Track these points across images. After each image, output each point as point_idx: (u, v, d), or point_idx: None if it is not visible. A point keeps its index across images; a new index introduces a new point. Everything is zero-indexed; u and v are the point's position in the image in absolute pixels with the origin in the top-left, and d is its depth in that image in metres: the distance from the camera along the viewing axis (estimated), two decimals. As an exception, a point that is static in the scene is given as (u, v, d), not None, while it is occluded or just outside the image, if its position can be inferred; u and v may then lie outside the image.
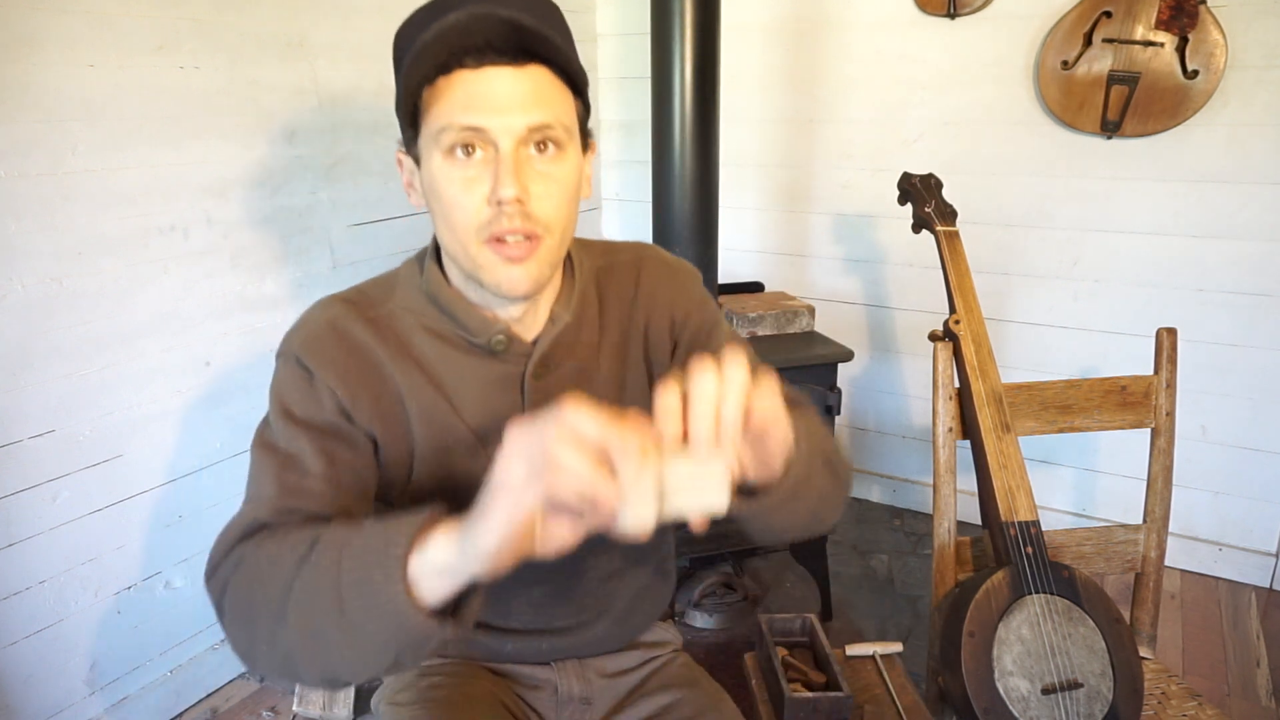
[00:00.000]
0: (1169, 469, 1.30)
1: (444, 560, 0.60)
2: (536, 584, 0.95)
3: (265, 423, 0.83)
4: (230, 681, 1.87)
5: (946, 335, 1.34)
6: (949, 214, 1.51)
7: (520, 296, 0.80)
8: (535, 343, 0.87)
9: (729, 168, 2.48)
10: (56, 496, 1.51)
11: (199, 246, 1.65)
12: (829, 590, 2.04)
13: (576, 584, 0.96)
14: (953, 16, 2.17)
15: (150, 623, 1.70)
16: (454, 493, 0.87)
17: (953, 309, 1.38)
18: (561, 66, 0.77)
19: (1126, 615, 1.25)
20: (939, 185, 1.58)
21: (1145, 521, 1.31)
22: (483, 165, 0.75)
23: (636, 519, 0.55)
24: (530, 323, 0.88)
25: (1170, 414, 1.30)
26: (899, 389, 2.53)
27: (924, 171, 1.61)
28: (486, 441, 0.87)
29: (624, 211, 2.85)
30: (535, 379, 0.87)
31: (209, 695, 1.83)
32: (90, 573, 1.58)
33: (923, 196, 1.54)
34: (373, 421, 0.83)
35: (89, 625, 1.59)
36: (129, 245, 1.53)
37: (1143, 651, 1.28)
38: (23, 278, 1.40)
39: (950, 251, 1.43)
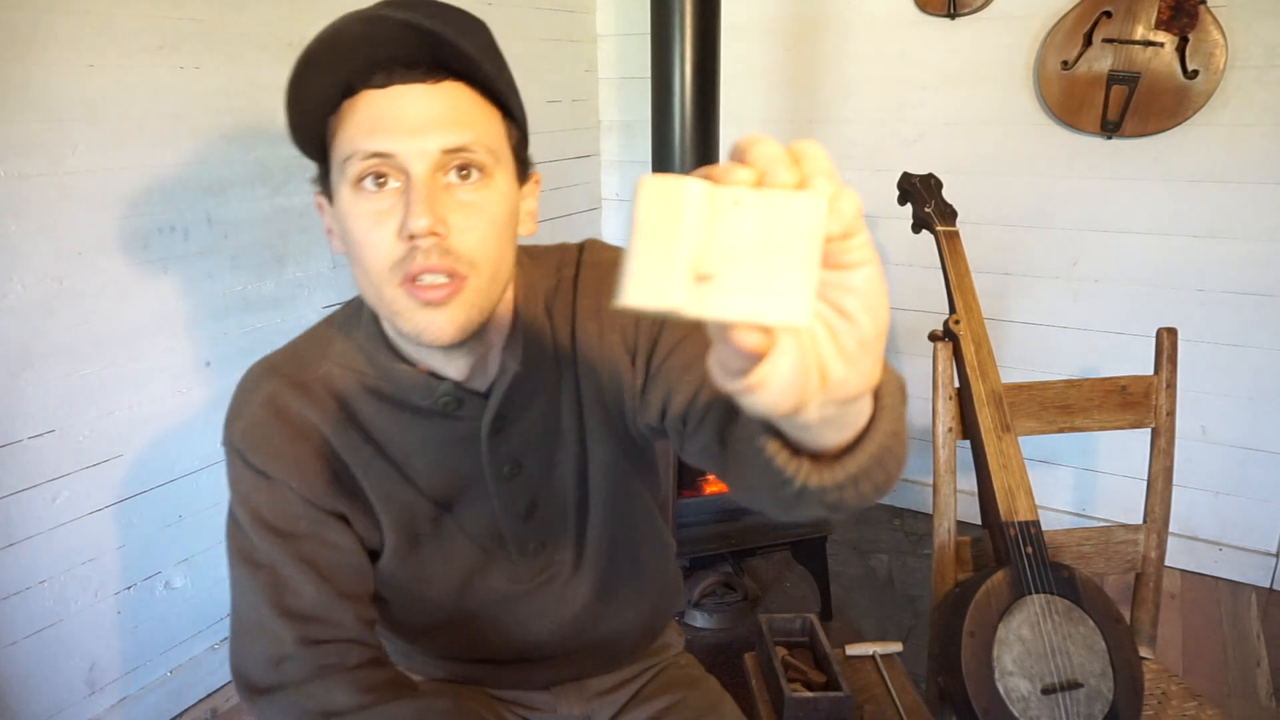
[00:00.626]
0: (1169, 469, 1.30)
1: None
2: (537, 625, 0.92)
3: (236, 524, 0.79)
4: (230, 682, 1.86)
5: (946, 335, 1.34)
6: (949, 214, 1.50)
7: (445, 344, 0.69)
8: (489, 394, 0.78)
9: (729, 168, 2.48)
10: (56, 496, 1.51)
11: (199, 246, 1.65)
12: (829, 590, 2.04)
13: (579, 626, 0.93)
14: (953, 16, 2.17)
15: (150, 623, 1.70)
16: (419, 571, 0.84)
17: (953, 309, 1.38)
18: (483, 83, 0.68)
19: (1126, 615, 1.25)
20: (939, 185, 1.58)
21: (1145, 521, 1.31)
22: (395, 196, 0.65)
23: (644, 293, 0.34)
24: (481, 372, 0.78)
25: (1170, 414, 1.30)
26: (899, 389, 2.53)
27: (924, 171, 1.61)
28: (449, 507, 0.82)
29: (624, 212, 2.85)
30: (493, 434, 0.79)
31: (209, 695, 1.83)
32: (90, 573, 1.58)
33: (923, 196, 1.54)
34: (337, 503, 0.78)
35: (89, 625, 1.59)
36: (129, 245, 1.53)
37: (1143, 651, 1.28)
38: (23, 278, 1.40)
39: (950, 251, 1.43)
